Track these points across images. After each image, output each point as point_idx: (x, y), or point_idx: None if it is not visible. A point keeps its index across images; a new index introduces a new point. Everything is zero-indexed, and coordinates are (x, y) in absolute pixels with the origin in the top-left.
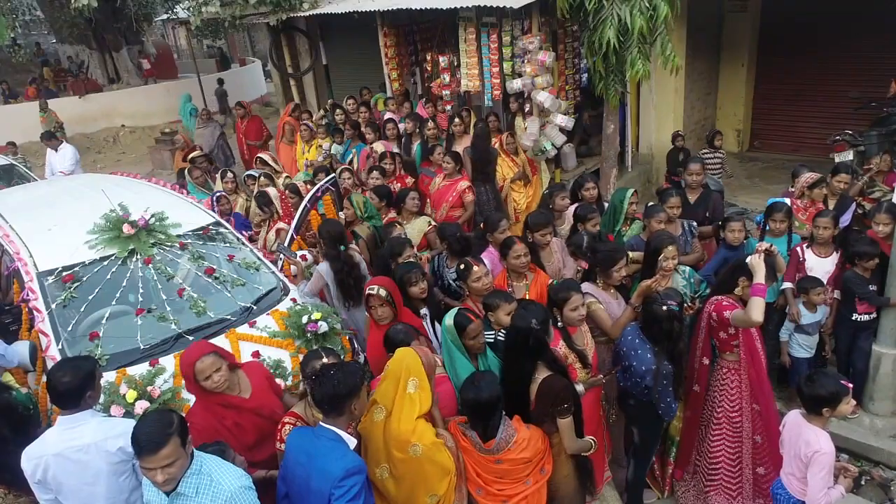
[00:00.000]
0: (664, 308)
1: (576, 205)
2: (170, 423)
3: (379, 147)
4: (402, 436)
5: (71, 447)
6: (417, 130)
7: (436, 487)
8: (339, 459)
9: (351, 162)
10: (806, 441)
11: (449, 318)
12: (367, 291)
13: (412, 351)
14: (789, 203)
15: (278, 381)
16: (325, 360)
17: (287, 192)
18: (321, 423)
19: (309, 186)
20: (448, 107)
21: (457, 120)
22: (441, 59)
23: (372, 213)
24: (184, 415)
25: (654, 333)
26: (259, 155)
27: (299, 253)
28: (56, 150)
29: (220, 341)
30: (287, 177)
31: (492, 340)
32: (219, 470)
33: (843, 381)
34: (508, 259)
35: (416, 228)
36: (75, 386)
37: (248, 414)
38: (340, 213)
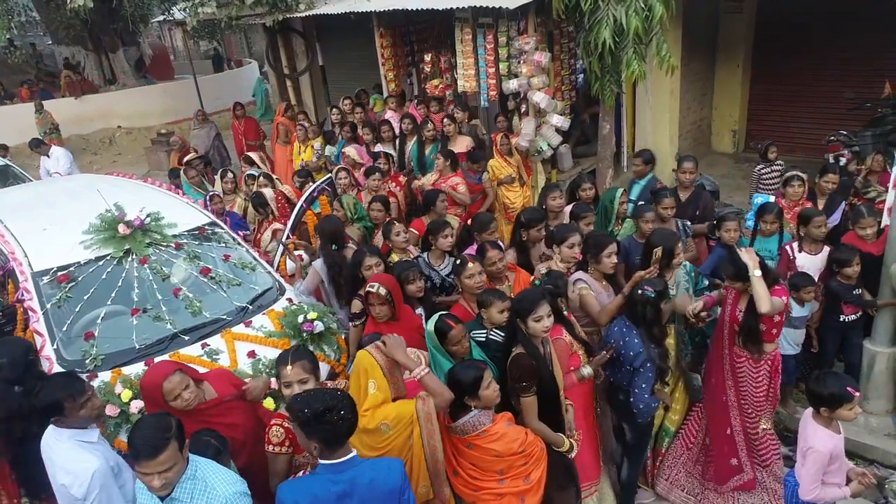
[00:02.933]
0: (639, 292)
1: (572, 204)
2: (168, 427)
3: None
4: (370, 426)
5: (45, 451)
6: (412, 129)
7: (423, 476)
8: (391, 472)
9: None
10: (804, 436)
11: (430, 325)
12: (367, 288)
13: (365, 353)
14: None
15: (274, 380)
16: (289, 367)
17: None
18: (324, 463)
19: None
20: (451, 107)
21: (446, 121)
22: (443, 59)
23: (362, 215)
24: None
25: (634, 317)
26: (247, 154)
27: (296, 253)
28: (48, 156)
29: (216, 341)
30: (278, 179)
31: (483, 339)
32: (214, 475)
33: (849, 389)
34: (485, 266)
35: None
36: (42, 406)
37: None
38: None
